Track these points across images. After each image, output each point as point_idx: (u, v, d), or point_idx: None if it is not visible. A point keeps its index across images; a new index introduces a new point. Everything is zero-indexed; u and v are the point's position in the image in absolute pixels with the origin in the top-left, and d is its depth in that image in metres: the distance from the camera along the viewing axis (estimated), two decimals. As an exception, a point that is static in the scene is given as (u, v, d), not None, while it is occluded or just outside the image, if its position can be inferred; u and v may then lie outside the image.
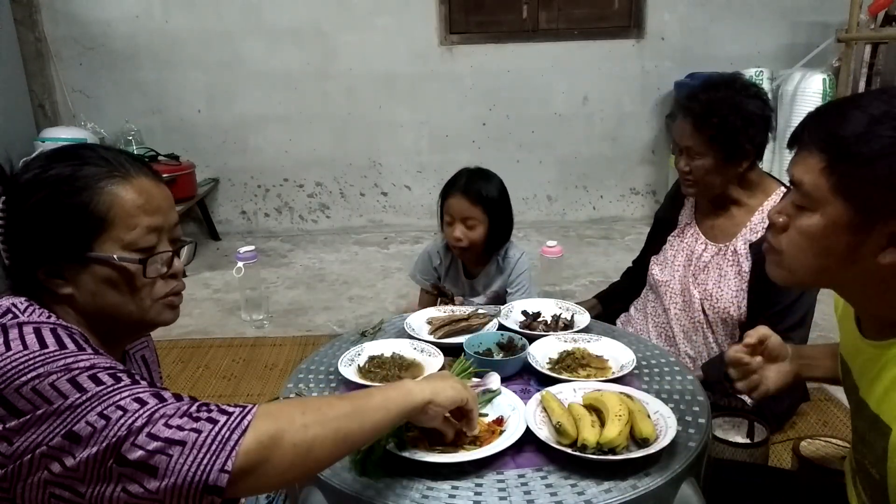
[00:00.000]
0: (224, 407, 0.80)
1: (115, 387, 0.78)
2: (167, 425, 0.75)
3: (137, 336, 1.08)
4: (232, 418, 0.77)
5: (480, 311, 1.66)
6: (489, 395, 1.23)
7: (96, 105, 4.37)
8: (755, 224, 1.85)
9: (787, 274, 0.95)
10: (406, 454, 1.05)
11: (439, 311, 1.69)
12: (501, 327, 1.58)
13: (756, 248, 1.82)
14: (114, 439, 0.74)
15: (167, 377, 2.66)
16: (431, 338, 1.53)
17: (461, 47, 4.38)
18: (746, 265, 1.83)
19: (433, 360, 1.40)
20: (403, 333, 1.56)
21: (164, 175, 3.80)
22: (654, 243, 2.09)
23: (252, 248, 3.16)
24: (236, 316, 3.29)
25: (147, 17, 4.25)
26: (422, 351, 1.46)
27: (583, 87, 4.43)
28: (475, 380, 1.26)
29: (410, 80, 4.40)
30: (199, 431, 0.75)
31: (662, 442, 1.05)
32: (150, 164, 1.00)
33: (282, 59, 4.33)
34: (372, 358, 1.43)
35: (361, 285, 3.71)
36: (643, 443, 1.05)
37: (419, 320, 1.63)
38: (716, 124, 1.72)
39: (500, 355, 1.43)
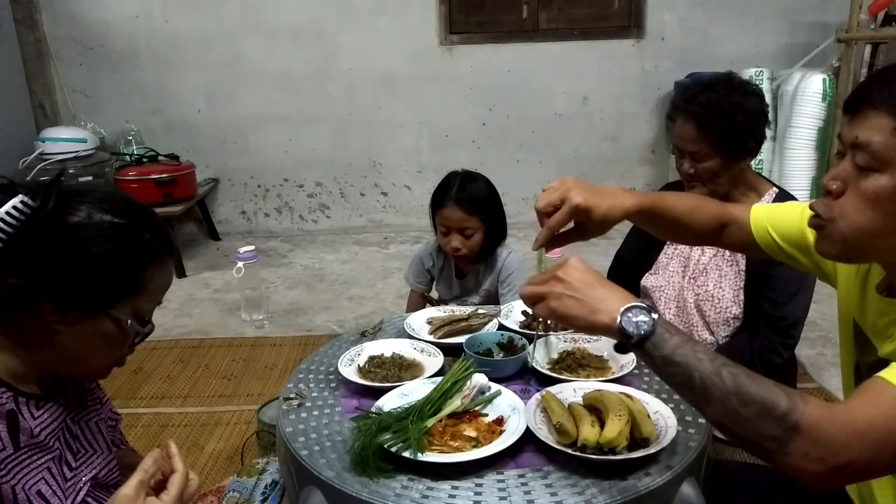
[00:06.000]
0: None
1: None
2: None
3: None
4: None
5: (480, 311, 1.66)
6: (489, 396, 1.23)
7: (96, 105, 4.37)
8: None
9: (839, 244, 0.91)
10: (406, 454, 1.05)
11: (439, 311, 1.69)
12: (501, 327, 1.58)
13: None
14: None
15: (167, 377, 2.65)
16: (431, 338, 1.53)
17: (461, 47, 4.37)
18: (743, 263, 1.84)
19: (433, 360, 1.41)
20: (403, 333, 1.57)
21: (164, 175, 3.90)
22: (645, 254, 2.03)
23: (252, 248, 3.16)
24: (236, 316, 3.29)
25: (147, 17, 4.25)
26: (422, 351, 1.46)
27: (583, 87, 4.43)
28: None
29: (410, 80, 4.40)
30: None
31: (662, 442, 1.05)
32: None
33: (282, 59, 4.33)
34: (372, 358, 1.44)
35: (361, 285, 3.71)
36: (643, 443, 1.05)
37: (419, 320, 1.63)
38: (722, 126, 1.71)
39: (500, 355, 1.43)
